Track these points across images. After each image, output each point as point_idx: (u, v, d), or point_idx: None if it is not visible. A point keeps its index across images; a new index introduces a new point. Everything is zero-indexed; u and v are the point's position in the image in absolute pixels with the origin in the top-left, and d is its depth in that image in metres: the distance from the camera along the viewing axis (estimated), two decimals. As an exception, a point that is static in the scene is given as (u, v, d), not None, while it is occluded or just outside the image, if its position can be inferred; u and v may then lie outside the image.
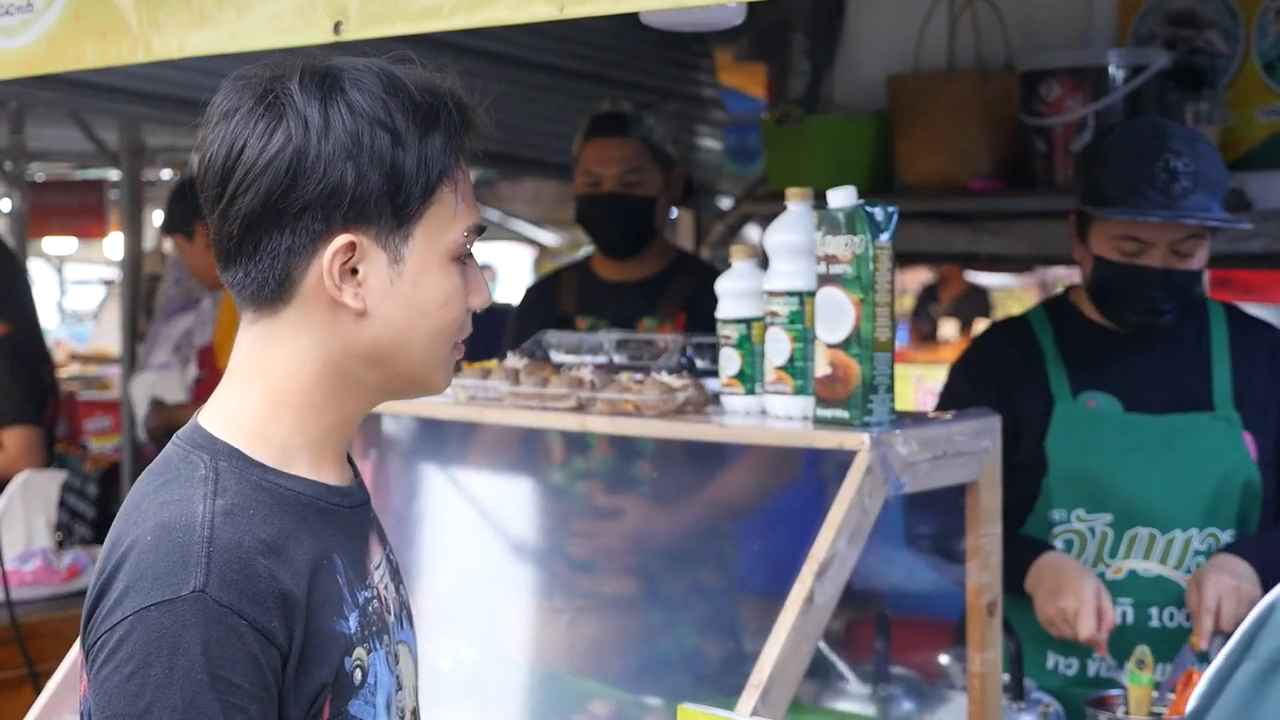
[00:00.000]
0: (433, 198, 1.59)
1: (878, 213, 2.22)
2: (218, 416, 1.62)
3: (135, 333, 6.06)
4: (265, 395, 1.61)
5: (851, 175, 3.13)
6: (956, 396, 3.00)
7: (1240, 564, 2.77)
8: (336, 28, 2.14)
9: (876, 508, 2.18)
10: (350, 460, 1.72)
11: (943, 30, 3.99)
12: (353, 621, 1.59)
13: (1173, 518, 2.86)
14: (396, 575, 1.74)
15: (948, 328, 9.47)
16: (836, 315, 2.24)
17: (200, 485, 1.54)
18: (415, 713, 1.74)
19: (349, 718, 1.57)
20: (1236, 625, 1.85)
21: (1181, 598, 2.84)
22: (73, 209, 7.90)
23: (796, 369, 2.34)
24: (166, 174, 8.06)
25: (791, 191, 2.40)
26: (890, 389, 2.25)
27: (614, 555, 3.21)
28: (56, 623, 4.03)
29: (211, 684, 1.45)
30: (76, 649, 2.47)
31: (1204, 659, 2.69)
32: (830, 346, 2.25)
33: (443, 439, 3.20)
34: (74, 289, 15.35)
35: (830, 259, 2.24)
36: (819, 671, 2.84)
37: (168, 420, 5.30)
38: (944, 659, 2.93)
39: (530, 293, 3.96)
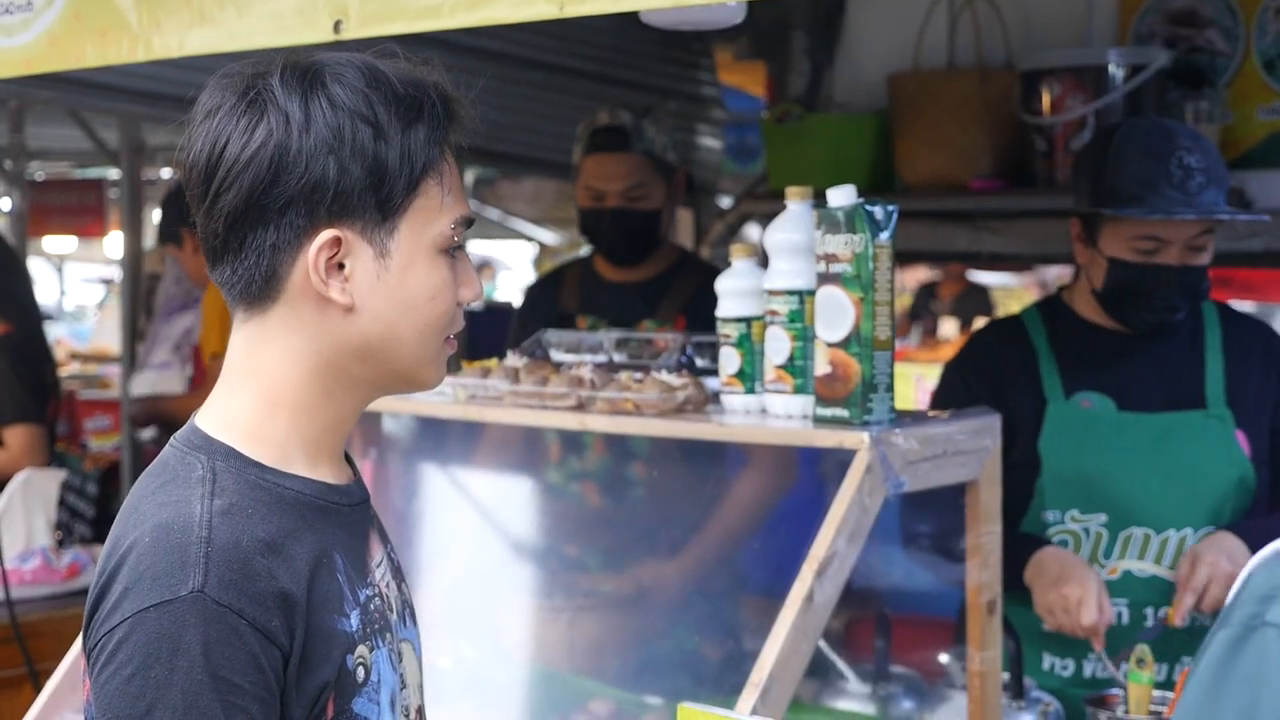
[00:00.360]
0: (417, 190, 1.58)
1: (877, 212, 2.22)
2: (214, 418, 1.62)
3: (135, 332, 6.06)
4: (260, 396, 1.61)
5: (851, 174, 3.13)
6: (950, 396, 3.00)
7: (1240, 548, 2.75)
8: (336, 27, 2.14)
9: (876, 506, 2.19)
10: (349, 459, 1.71)
11: (943, 29, 3.99)
12: (354, 619, 1.58)
13: (1167, 517, 2.85)
14: (398, 573, 1.74)
15: (948, 326, 9.47)
16: (836, 314, 2.24)
17: (198, 485, 1.54)
18: (421, 710, 1.74)
19: (353, 715, 1.57)
20: (1217, 611, 1.85)
21: (1179, 598, 2.84)
22: (73, 208, 7.90)
23: (796, 368, 2.34)
24: (166, 173, 8.05)
25: (791, 190, 2.40)
26: (890, 388, 2.25)
27: (614, 555, 3.21)
28: (56, 621, 4.03)
29: (212, 684, 1.45)
30: (77, 648, 2.47)
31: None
32: (830, 345, 2.25)
33: (442, 438, 3.20)
34: (74, 288, 15.35)
35: (830, 258, 2.24)
36: (819, 670, 2.83)
37: (149, 409, 5.34)
38: (944, 658, 2.93)
39: (532, 291, 3.96)
